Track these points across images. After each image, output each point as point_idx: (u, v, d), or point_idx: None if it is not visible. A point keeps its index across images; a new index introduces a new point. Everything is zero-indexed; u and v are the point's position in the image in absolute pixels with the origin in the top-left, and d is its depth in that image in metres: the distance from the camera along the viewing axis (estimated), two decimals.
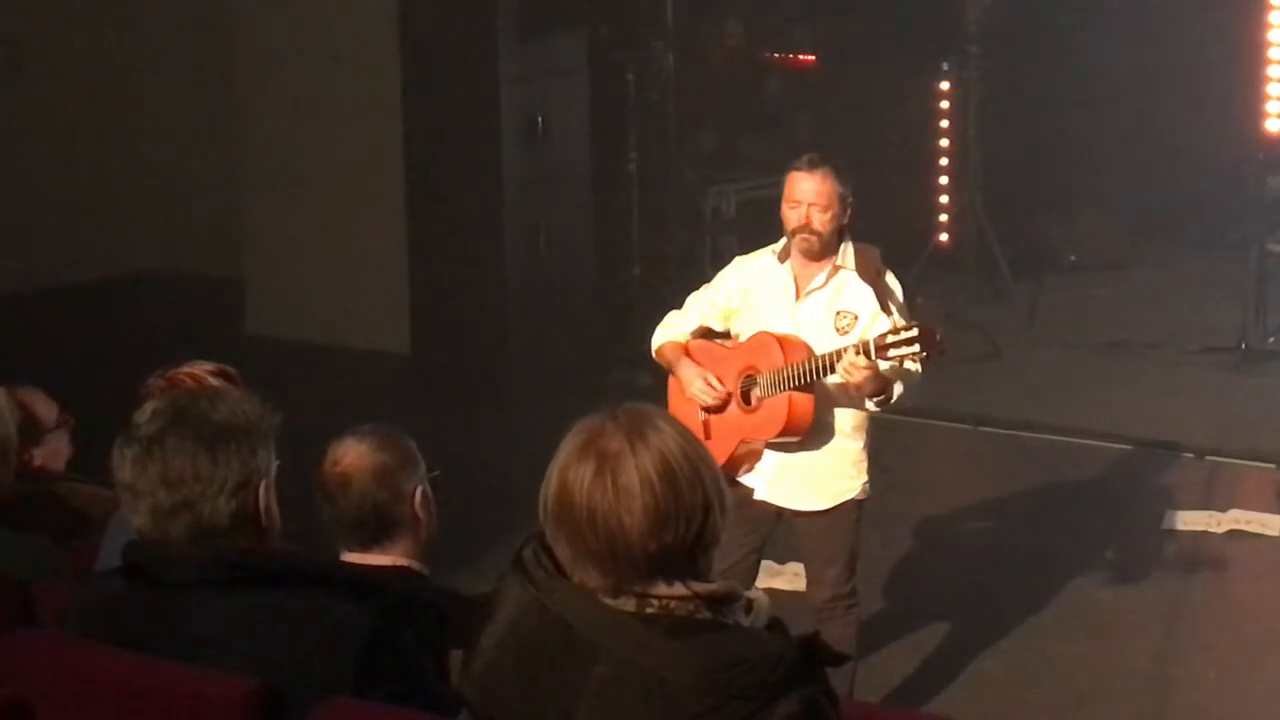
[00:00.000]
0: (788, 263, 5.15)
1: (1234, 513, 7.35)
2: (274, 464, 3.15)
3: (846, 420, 5.13)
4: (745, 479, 5.19)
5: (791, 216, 5.06)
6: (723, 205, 10.49)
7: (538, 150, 9.31)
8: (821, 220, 5.02)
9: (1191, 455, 8.16)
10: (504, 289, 9.31)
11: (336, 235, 10.26)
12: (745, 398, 5.12)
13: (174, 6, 11.89)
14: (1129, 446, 8.30)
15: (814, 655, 2.48)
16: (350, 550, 3.59)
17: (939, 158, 11.15)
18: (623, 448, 2.46)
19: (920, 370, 4.92)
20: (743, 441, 5.14)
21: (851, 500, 5.22)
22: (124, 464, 3.08)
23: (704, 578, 2.50)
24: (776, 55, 11.87)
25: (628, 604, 2.46)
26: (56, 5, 11.43)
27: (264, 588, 3.02)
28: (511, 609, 2.53)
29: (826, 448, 5.14)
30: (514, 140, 9.21)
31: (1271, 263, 9.72)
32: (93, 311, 10.99)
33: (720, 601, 2.49)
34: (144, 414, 3.12)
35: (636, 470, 2.45)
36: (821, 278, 5.10)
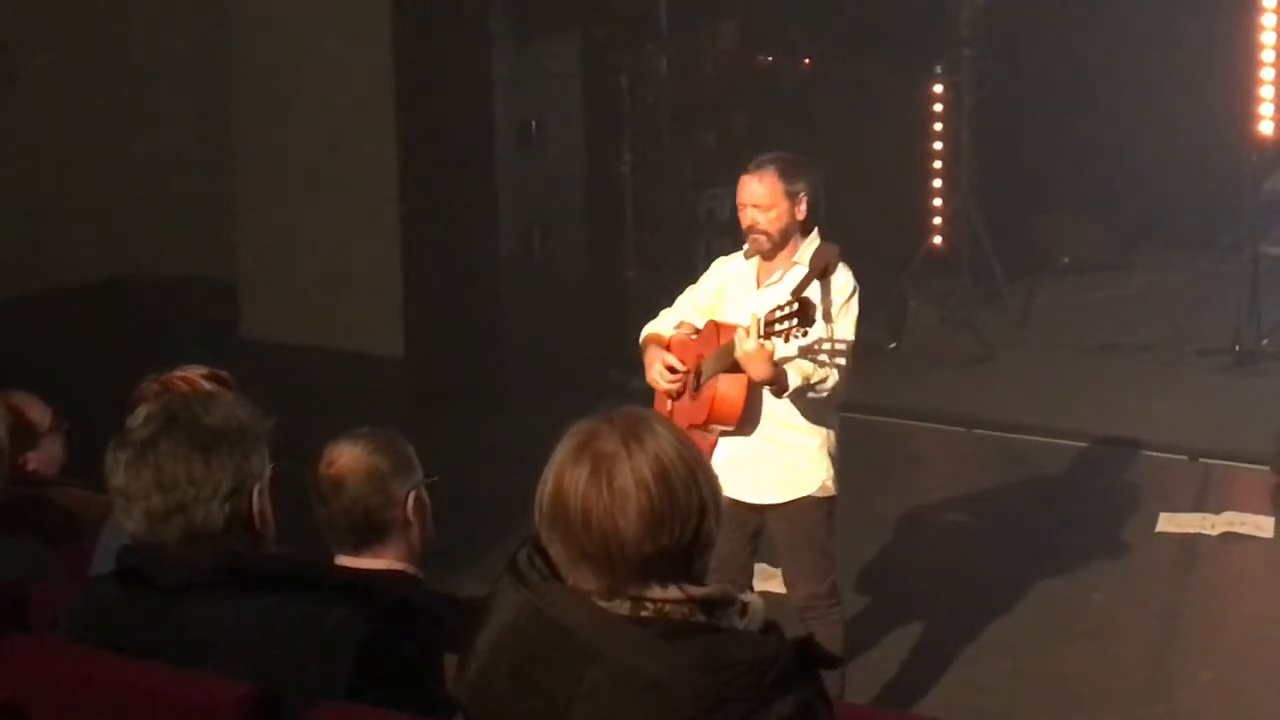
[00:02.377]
0: (753, 259, 5.27)
1: (1228, 515, 7.36)
2: (267, 468, 3.15)
3: (798, 416, 5.15)
4: None
5: (742, 218, 5.19)
6: (716, 208, 10.50)
7: (531, 153, 9.31)
8: (767, 220, 5.13)
9: (1185, 457, 8.16)
10: (497, 291, 9.31)
11: (331, 239, 10.26)
12: (697, 385, 5.19)
13: (167, 11, 11.88)
14: (1123, 448, 8.30)
15: (809, 658, 2.48)
16: (343, 553, 3.59)
17: (932, 160, 11.16)
18: (618, 450, 2.46)
19: (833, 375, 4.96)
20: (690, 428, 5.16)
21: (811, 497, 5.23)
22: (118, 468, 3.08)
23: (699, 581, 2.50)
24: (770, 58, 11.88)
25: (622, 607, 2.46)
26: (49, 10, 11.42)
27: (258, 592, 3.02)
28: (506, 612, 2.53)
29: (776, 440, 5.17)
30: (508, 143, 9.21)
31: (1266, 265, 9.73)
32: (87, 316, 10.97)
33: (715, 604, 2.49)
34: (137, 418, 3.12)
35: (632, 472, 2.44)
36: (779, 273, 5.19)
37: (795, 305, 4.71)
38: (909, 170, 11.17)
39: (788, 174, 5.13)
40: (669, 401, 5.28)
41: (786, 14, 11.83)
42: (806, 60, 11.78)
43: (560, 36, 9.49)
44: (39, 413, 4.76)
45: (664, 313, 5.48)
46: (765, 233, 5.14)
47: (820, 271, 4.98)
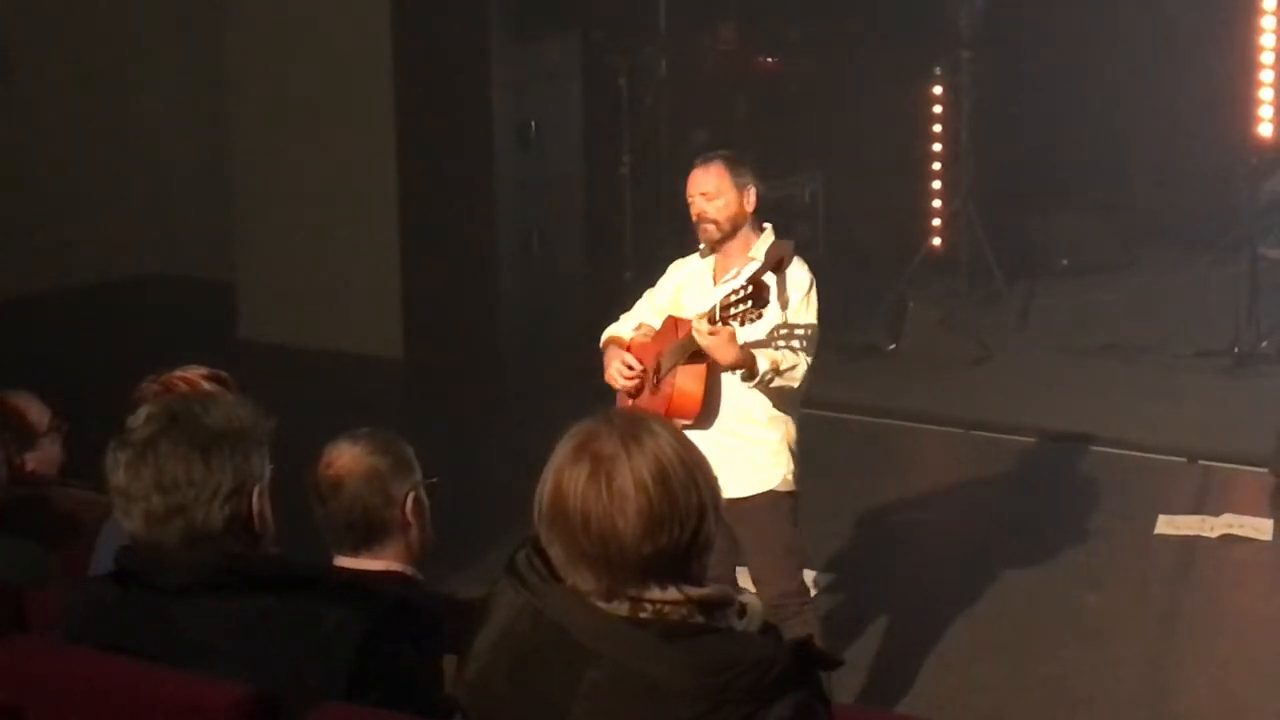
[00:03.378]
0: (711, 257, 5.31)
1: (1227, 517, 7.36)
2: (267, 469, 3.15)
3: (760, 410, 5.16)
4: None
5: (691, 210, 5.25)
6: None
7: (530, 154, 9.32)
8: (714, 208, 5.17)
9: (1184, 459, 8.16)
10: (497, 293, 9.32)
11: (329, 239, 10.26)
12: (657, 381, 5.21)
13: (167, 11, 11.89)
14: (1122, 450, 8.30)
15: (807, 659, 2.48)
16: (342, 553, 3.59)
17: (932, 162, 11.17)
18: (618, 451, 2.46)
19: (802, 363, 4.97)
20: None
21: (771, 492, 5.23)
22: (117, 468, 3.08)
23: (698, 582, 2.50)
24: (769, 59, 11.89)
25: (621, 608, 2.46)
26: (48, 8, 11.42)
27: (257, 593, 3.02)
28: (505, 613, 2.53)
29: (736, 434, 5.17)
30: (507, 144, 9.22)
31: (1264, 267, 9.73)
32: (86, 316, 10.98)
33: (714, 605, 2.49)
34: (137, 418, 3.12)
35: (631, 473, 2.44)
36: (735, 269, 5.22)
37: (749, 288, 4.73)
38: (908, 171, 11.18)
39: (735, 166, 5.21)
40: (629, 400, 5.30)
41: (786, 15, 11.84)
42: (805, 62, 11.78)
43: (559, 37, 9.50)
44: (38, 413, 4.76)
45: (623, 316, 5.52)
46: (714, 221, 5.17)
47: (775, 264, 4.99)
